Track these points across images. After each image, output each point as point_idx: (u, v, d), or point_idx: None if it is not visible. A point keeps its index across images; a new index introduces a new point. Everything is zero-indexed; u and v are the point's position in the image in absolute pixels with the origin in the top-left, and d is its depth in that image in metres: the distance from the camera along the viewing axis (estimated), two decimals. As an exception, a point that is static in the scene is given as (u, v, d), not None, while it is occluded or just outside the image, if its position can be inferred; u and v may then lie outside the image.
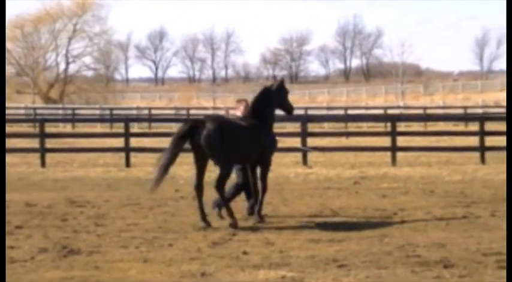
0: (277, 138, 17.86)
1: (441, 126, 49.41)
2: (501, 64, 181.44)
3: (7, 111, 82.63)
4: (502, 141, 35.94)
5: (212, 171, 18.58)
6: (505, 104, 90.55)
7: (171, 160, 17.89)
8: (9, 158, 35.15)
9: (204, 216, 17.65)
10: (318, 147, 31.84)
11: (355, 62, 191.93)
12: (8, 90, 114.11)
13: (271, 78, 19.43)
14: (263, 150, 18.46)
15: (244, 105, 19.16)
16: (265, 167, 18.67)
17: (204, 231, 17.13)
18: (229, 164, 17.93)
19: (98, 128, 62.79)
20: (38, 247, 15.56)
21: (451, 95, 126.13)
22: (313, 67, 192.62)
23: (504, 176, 27.70)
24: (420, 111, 72.69)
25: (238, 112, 19.14)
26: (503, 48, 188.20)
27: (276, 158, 31.92)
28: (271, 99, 18.85)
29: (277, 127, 49.29)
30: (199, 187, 17.80)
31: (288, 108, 19.45)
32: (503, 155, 33.72)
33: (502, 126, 48.41)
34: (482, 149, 33.59)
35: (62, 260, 14.46)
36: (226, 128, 17.80)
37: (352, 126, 54.21)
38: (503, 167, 30.50)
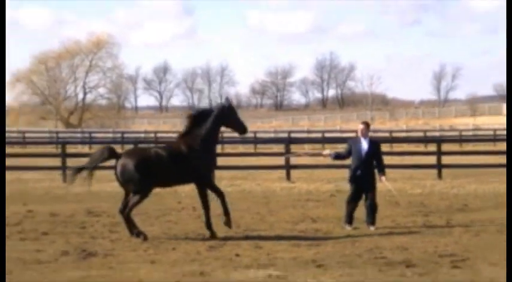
0: (265, 157, 17.76)
1: (404, 147, 49.49)
2: (455, 94, 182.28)
3: (33, 135, 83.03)
4: (456, 160, 36.08)
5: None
6: (459, 128, 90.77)
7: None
8: (35, 175, 35.17)
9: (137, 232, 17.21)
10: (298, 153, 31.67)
11: (331, 92, 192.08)
12: (34, 117, 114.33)
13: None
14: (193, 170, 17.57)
15: None
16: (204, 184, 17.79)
17: (203, 237, 17.18)
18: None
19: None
20: (60, 250, 15.60)
21: (413, 120, 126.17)
22: (295, 96, 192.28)
23: (457, 190, 27.80)
24: (387, 134, 72.99)
25: None
26: (458, 81, 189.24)
27: (263, 174, 32.09)
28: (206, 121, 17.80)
29: (263, 148, 49.34)
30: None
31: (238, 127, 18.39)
32: (457, 172, 33.84)
33: (456, 147, 48.64)
34: (439, 166, 33.68)
35: (81, 262, 14.52)
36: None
37: (329, 147, 54.20)
38: (457, 182, 30.60)
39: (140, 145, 36.51)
